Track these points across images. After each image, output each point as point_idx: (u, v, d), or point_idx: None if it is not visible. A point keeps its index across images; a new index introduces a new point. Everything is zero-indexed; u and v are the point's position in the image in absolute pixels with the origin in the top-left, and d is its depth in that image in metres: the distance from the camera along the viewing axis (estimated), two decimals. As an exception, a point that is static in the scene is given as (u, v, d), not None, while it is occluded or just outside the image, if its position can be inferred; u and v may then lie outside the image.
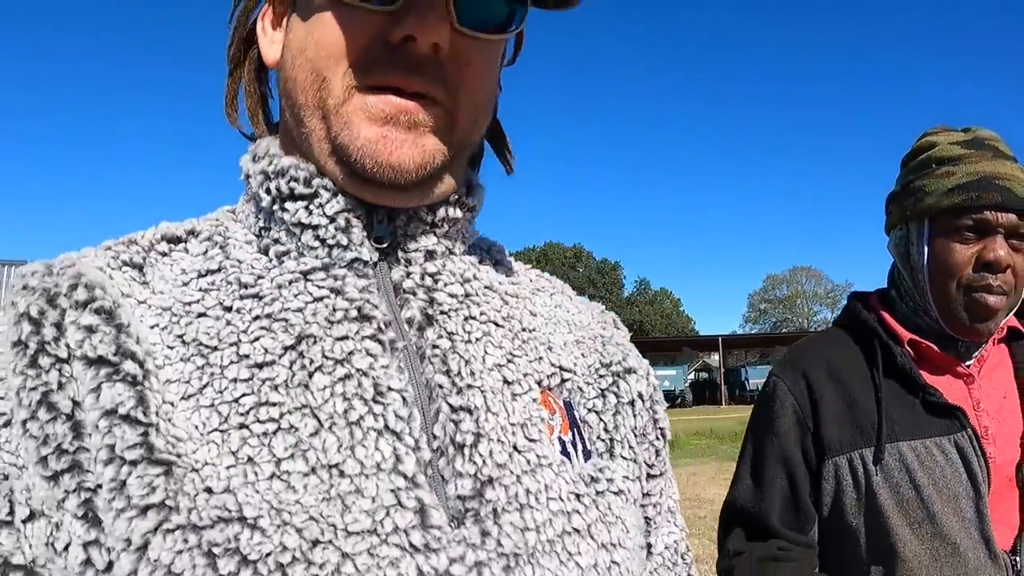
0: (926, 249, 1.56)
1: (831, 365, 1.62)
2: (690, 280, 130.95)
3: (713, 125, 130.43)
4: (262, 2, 0.80)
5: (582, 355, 0.84)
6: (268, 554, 0.59)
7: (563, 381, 0.79)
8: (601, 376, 0.83)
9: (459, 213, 0.77)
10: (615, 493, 0.76)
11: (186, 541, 0.59)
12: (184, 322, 0.69)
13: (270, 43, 0.78)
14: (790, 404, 1.60)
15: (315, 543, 0.60)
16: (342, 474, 0.63)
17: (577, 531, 0.70)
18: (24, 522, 0.62)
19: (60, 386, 0.63)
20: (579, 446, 0.77)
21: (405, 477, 0.64)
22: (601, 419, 0.81)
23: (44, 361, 0.63)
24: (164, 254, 0.75)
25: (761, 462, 1.62)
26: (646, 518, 0.85)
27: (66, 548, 0.61)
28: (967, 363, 1.58)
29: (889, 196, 1.70)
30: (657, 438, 0.87)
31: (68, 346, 0.64)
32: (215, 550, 0.58)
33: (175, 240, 0.77)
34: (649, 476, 0.86)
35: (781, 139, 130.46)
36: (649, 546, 0.86)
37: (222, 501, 0.60)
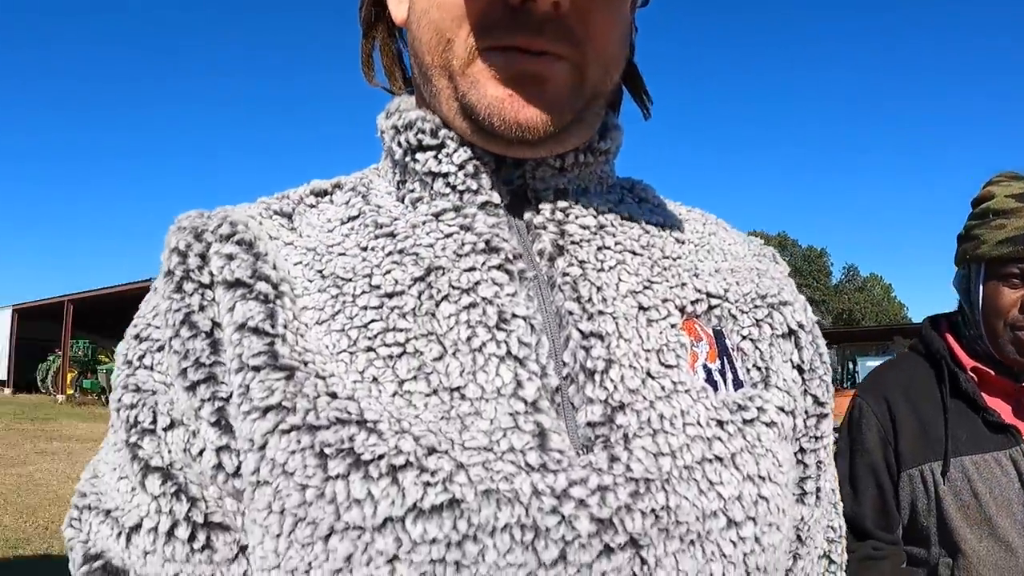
0: (981, 289, 1.78)
1: (907, 388, 1.85)
2: (903, 265, 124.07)
3: (926, 102, 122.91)
4: None
5: (736, 283, 0.78)
6: (381, 456, 0.60)
7: (711, 308, 0.75)
8: (756, 306, 0.78)
9: (590, 158, 0.76)
10: (767, 424, 0.71)
11: (299, 441, 0.61)
12: (324, 260, 0.72)
13: (398, 2, 0.78)
14: (874, 423, 1.84)
15: (431, 451, 0.60)
16: (463, 397, 0.63)
17: (719, 459, 0.66)
18: (165, 430, 0.67)
19: (201, 308, 0.68)
20: (728, 375, 0.73)
21: (525, 402, 0.63)
22: (757, 347, 0.76)
23: (188, 287, 0.69)
24: (312, 205, 0.80)
25: (854, 473, 1.85)
26: (818, 461, 0.80)
27: (200, 453, 0.66)
28: (1021, 385, 1.79)
29: (958, 236, 1.89)
30: (825, 372, 0.81)
31: (211, 273, 0.70)
32: (327, 450, 0.60)
33: (322, 193, 0.81)
34: (821, 416, 0.80)
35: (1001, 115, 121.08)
36: (818, 490, 0.81)
37: (343, 405, 0.62)
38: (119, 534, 0.68)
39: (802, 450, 0.78)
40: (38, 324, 34.76)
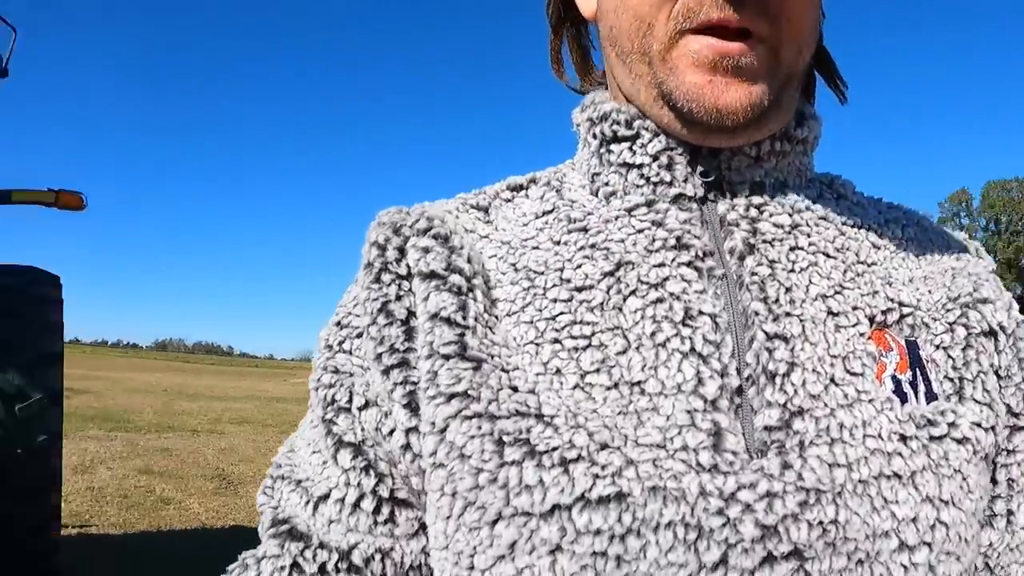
0: None
1: None
2: None
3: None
4: None
5: (928, 291, 0.76)
6: (555, 448, 0.63)
7: (903, 317, 0.73)
8: (948, 310, 0.75)
9: (787, 147, 0.76)
10: (957, 441, 0.68)
11: (480, 428, 0.65)
12: (518, 253, 0.76)
13: None
14: None
15: (603, 446, 0.62)
16: (642, 392, 0.65)
17: (898, 476, 0.64)
18: (359, 409, 0.74)
19: (398, 297, 0.74)
20: (920, 387, 0.70)
21: (704, 400, 0.64)
22: (949, 356, 0.72)
23: (386, 277, 0.74)
24: (507, 200, 0.84)
25: None
26: (1009, 479, 0.74)
27: (391, 433, 0.72)
28: None
29: None
30: (1023, 380, 0.76)
31: (408, 265, 0.75)
32: (505, 438, 0.64)
33: (517, 188, 0.86)
34: (1015, 428, 0.74)
35: None
36: (1009, 513, 0.73)
37: (523, 399, 0.66)
38: (307, 502, 0.75)
39: (993, 465, 0.73)
40: None
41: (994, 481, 0.73)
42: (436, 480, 0.66)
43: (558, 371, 0.67)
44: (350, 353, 0.76)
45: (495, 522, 0.62)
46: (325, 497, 0.74)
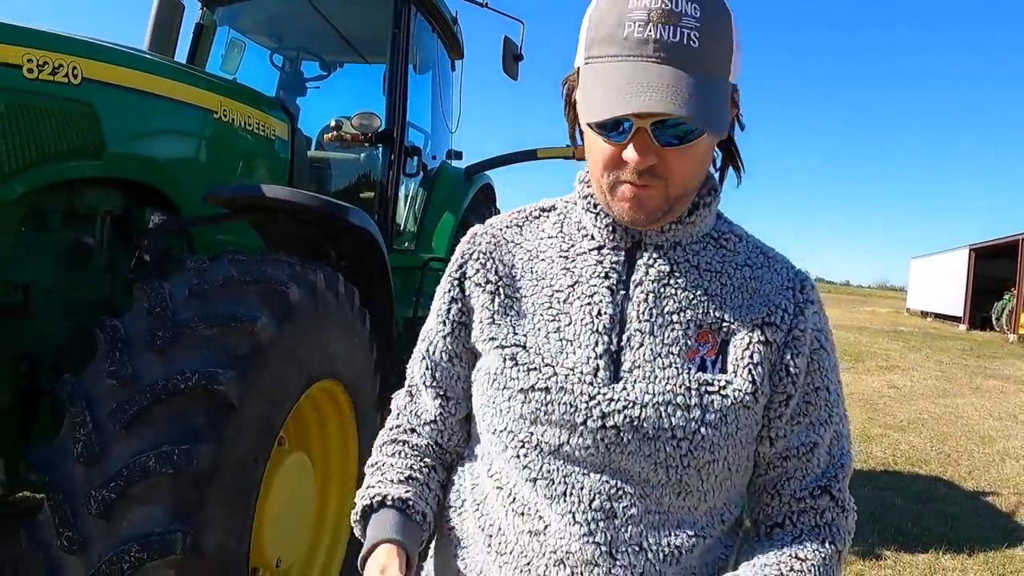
0: None
1: None
2: None
3: None
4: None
5: (746, 312, 1.26)
6: (525, 363, 1.27)
7: (722, 326, 1.25)
8: (753, 327, 1.25)
9: (679, 228, 1.28)
10: (720, 395, 1.21)
11: (500, 349, 1.30)
12: (534, 260, 1.37)
13: (581, 109, 1.26)
14: None
15: (548, 365, 1.26)
16: (571, 345, 1.26)
17: (676, 403, 1.20)
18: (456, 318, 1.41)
19: (461, 290, 1.39)
20: (718, 365, 1.23)
21: (596, 354, 1.24)
22: (744, 352, 1.24)
23: (454, 279, 1.41)
24: (536, 217, 1.43)
25: None
26: (776, 425, 1.26)
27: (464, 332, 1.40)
28: None
29: None
30: (793, 379, 1.25)
31: (466, 274, 1.39)
32: (505, 353, 1.29)
33: (544, 210, 1.44)
34: (783, 404, 1.26)
35: None
36: (771, 440, 1.27)
37: (521, 341, 1.29)
38: (420, 359, 1.46)
39: (768, 413, 1.26)
40: (994, 263, 35.65)
41: (770, 422, 1.26)
42: (477, 377, 1.37)
43: (537, 329, 1.30)
44: (455, 292, 1.42)
45: (500, 390, 1.30)
46: (425, 353, 1.46)
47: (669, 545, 1.21)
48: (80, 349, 2.81)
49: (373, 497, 1.36)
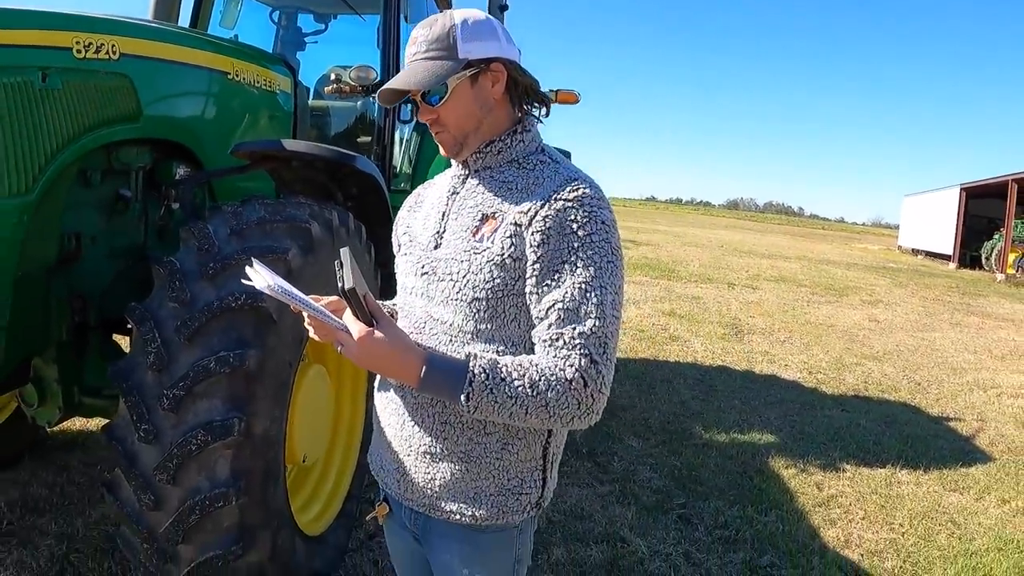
0: None
1: None
2: None
3: None
4: None
5: (516, 206, 1.75)
6: (413, 254, 1.91)
7: (498, 214, 1.76)
8: (516, 215, 1.73)
9: (484, 157, 1.85)
10: (481, 255, 1.74)
11: (402, 256, 1.97)
12: (431, 193, 2.01)
13: None
14: None
15: (419, 253, 1.88)
16: (413, 245, 1.91)
17: (455, 259, 1.77)
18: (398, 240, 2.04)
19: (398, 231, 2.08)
20: (493, 239, 1.73)
21: (431, 234, 1.85)
22: (514, 229, 1.72)
23: (396, 226, 2.12)
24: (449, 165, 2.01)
25: None
26: (537, 286, 1.68)
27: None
28: None
29: None
30: (534, 250, 1.68)
31: (399, 222, 2.07)
32: (399, 257, 1.99)
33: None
34: (534, 274, 1.68)
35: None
36: (538, 297, 1.69)
37: (409, 240, 1.96)
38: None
39: (529, 272, 1.70)
40: (985, 203, 36.41)
41: (529, 284, 1.70)
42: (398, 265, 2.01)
43: (412, 235, 1.96)
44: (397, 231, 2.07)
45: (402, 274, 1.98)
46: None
47: (467, 352, 1.70)
48: (121, 289, 3.44)
49: None
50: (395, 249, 2.04)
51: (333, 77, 5.21)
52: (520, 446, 1.80)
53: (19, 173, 2.84)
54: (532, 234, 1.68)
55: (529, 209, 1.71)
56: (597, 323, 1.62)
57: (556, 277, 1.65)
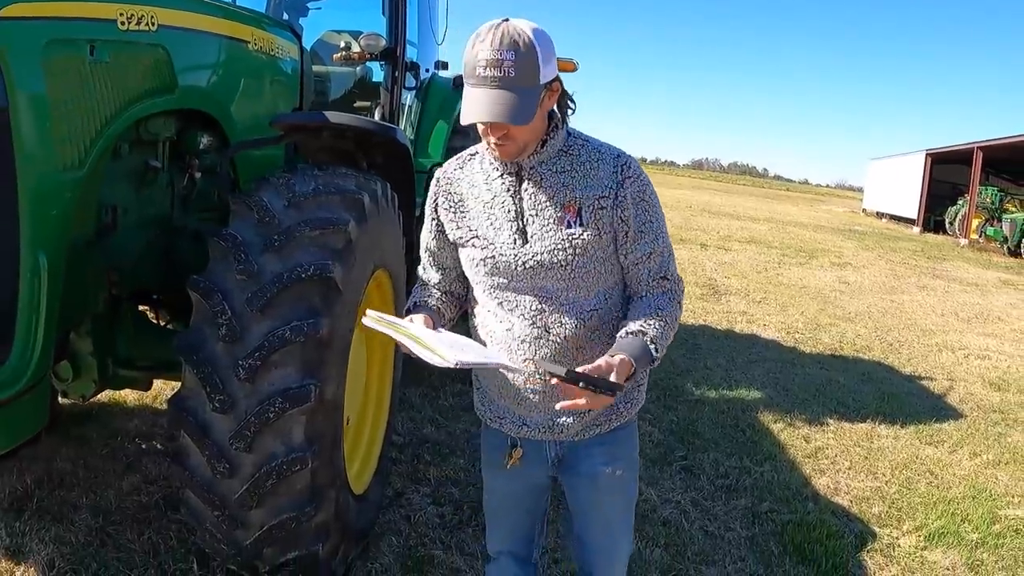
0: None
1: None
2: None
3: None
4: None
5: (588, 187, 2.11)
6: (480, 244, 2.21)
7: (575, 200, 2.10)
8: (595, 198, 2.10)
9: (538, 154, 2.10)
10: (580, 239, 2.09)
11: (462, 241, 2.26)
12: (470, 187, 2.24)
13: None
14: None
15: (490, 244, 2.17)
16: (499, 230, 2.16)
17: (558, 248, 2.11)
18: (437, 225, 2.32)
19: (436, 212, 2.31)
20: (577, 222, 2.09)
21: (511, 232, 2.14)
22: (593, 213, 2.10)
23: (432, 206, 2.31)
24: (469, 160, 2.28)
25: None
26: (626, 247, 2.16)
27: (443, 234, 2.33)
28: None
29: None
30: (624, 221, 2.13)
31: (438, 204, 2.30)
32: (465, 243, 2.25)
33: (472, 155, 2.27)
34: (625, 235, 2.14)
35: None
36: (626, 254, 2.17)
37: (472, 234, 2.22)
38: (423, 250, 2.40)
39: (619, 237, 2.14)
40: (950, 168, 37.26)
41: (621, 247, 2.17)
42: (459, 253, 2.31)
43: (480, 225, 2.21)
44: (433, 214, 2.32)
45: (469, 261, 2.27)
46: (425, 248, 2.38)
47: (579, 318, 2.18)
48: (150, 260, 3.48)
49: (406, 309, 2.33)
50: (439, 238, 2.34)
51: (343, 45, 5.29)
52: None
53: (73, 148, 2.81)
54: (621, 210, 2.13)
55: (606, 191, 2.12)
56: (672, 262, 2.25)
57: (641, 235, 2.17)
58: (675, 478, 5.00)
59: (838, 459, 5.67)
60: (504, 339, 2.21)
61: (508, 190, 2.16)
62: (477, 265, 2.22)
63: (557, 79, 2.05)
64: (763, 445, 5.76)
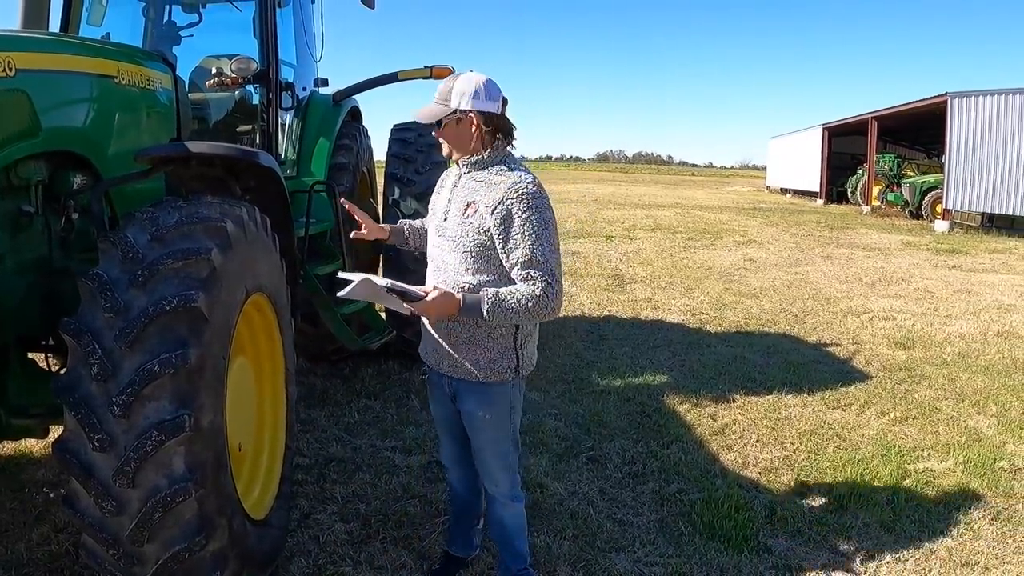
0: None
1: None
2: None
3: None
4: None
5: (486, 196, 3.03)
6: (433, 221, 3.34)
7: (476, 202, 3.05)
8: (487, 204, 3.02)
9: (470, 163, 3.15)
10: (471, 226, 3.04)
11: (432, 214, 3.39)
12: (446, 180, 3.39)
13: None
14: None
15: (434, 217, 3.33)
16: (434, 215, 3.30)
17: (455, 227, 3.11)
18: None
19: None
20: (473, 217, 3.05)
21: (440, 212, 3.25)
22: (485, 213, 3.01)
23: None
24: (457, 162, 3.30)
25: None
26: (507, 246, 2.99)
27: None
28: None
29: None
30: (501, 227, 2.98)
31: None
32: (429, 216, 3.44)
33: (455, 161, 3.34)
34: (503, 238, 2.99)
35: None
36: (507, 254, 3.01)
37: (431, 212, 3.38)
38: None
39: (496, 239, 3.02)
40: (847, 139, 39.04)
41: (501, 249, 3.04)
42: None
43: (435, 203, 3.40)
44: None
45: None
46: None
47: (465, 283, 3.07)
48: (32, 304, 3.46)
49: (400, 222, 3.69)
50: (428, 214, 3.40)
51: (214, 71, 5.27)
52: (500, 334, 3.14)
53: None
54: (495, 217, 2.99)
55: (492, 201, 3.00)
56: (545, 266, 2.95)
57: (517, 242, 2.96)
58: (582, 470, 5.01)
59: (745, 433, 5.76)
60: (428, 277, 3.27)
61: (453, 184, 3.23)
62: (428, 226, 3.41)
63: (479, 113, 3.03)
64: (670, 428, 5.81)
